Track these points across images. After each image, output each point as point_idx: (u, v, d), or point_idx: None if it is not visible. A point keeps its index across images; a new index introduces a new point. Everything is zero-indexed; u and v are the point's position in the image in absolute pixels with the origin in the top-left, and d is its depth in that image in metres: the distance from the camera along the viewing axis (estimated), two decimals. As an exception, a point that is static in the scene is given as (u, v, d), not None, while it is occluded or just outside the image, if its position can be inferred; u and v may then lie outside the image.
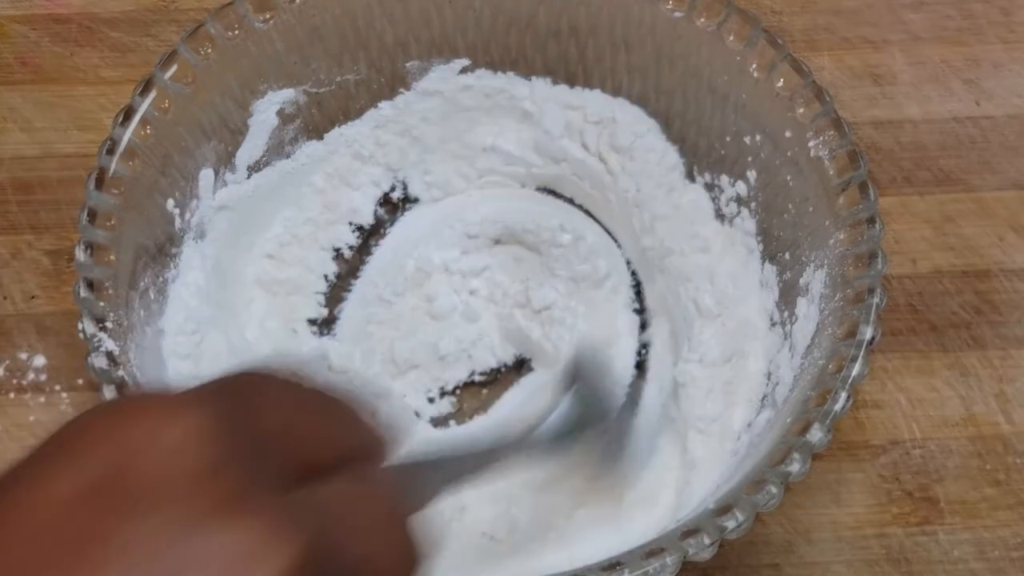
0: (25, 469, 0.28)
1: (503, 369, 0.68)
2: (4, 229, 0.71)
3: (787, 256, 0.62)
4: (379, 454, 0.36)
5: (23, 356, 0.67)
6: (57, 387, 0.66)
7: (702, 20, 0.64)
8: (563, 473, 0.60)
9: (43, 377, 0.67)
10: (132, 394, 0.29)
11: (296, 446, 0.32)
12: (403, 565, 0.33)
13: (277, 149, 0.68)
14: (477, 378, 0.68)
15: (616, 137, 0.68)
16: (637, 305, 0.69)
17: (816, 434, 0.53)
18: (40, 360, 0.67)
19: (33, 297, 0.69)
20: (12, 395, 0.66)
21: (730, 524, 0.51)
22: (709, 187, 0.68)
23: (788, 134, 0.62)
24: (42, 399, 0.66)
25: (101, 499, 0.27)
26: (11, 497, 0.28)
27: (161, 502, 0.27)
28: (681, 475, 0.62)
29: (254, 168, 0.67)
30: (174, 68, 0.62)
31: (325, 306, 0.69)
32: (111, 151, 0.59)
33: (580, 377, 0.58)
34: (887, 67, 0.78)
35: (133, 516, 0.27)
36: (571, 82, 0.69)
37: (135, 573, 0.27)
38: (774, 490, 0.51)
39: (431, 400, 0.67)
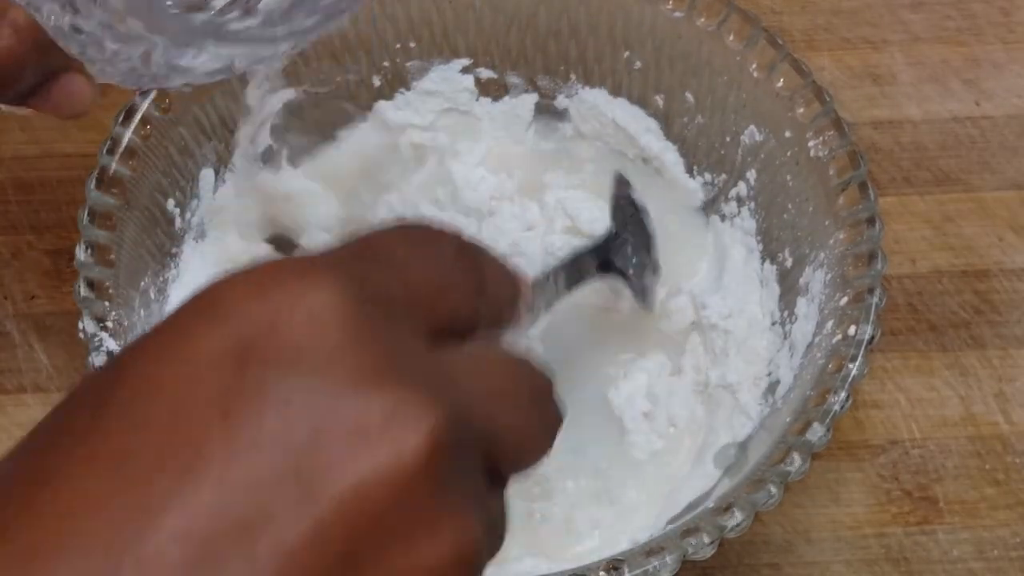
0: (168, 329, 0.29)
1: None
2: (4, 229, 0.71)
3: (787, 256, 0.63)
4: (517, 305, 0.36)
5: (23, 355, 0.67)
6: (57, 386, 0.66)
7: (702, 20, 0.64)
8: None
9: (43, 376, 0.67)
10: (268, 260, 0.29)
11: (440, 300, 0.32)
12: (544, 434, 0.33)
13: (278, 149, 0.68)
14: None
15: None
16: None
17: (816, 433, 0.53)
18: (40, 359, 0.67)
19: (33, 297, 0.69)
20: (12, 395, 0.66)
21: (730, 523, 0.51)
22: (709, 186, 0.68)
23: (788, 134, 0.62)
24: (42, 398, 0.66)
25: (246, 356, 0.27)
26: (159, 353, 0.28)
27: (303, 367, 0.27)
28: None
29: (255, 168, 0.68)
30: (175, 68, 0.62)
31: None
32: (112, 151, 0.60)
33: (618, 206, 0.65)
34: (887, 67, 0.78)
35: (277, 375, 0.27)
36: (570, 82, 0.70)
37: (280, 429, 0.27)
38: (773, 489, 0.52)
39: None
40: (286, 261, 0.30)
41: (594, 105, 0.70)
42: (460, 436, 0.29)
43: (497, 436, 0.31)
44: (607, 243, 0.62)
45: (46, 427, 0.29)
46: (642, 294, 0.64)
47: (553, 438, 0.33)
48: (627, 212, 0.64)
